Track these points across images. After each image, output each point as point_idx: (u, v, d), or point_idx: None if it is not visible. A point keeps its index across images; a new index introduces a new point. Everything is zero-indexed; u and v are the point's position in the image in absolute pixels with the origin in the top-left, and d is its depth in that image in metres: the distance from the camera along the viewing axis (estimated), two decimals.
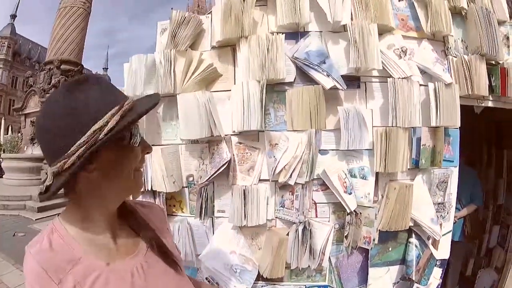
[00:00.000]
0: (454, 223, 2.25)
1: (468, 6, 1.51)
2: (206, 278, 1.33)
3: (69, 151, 0.52)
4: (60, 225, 0.58)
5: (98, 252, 0.59)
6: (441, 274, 1.49)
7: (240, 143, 1.26)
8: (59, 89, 0.56)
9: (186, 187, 1.32)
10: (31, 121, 9.05)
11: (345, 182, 1.22)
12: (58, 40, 9.43)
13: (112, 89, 0.58)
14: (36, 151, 8.64)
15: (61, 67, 9.12)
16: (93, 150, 0.52)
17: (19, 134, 9.97)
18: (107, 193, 0.60)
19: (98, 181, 0.57)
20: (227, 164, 1.22)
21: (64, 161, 0.53)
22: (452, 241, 1.65)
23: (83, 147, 0.52)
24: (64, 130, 0.53)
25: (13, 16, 34.98)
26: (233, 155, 1.25)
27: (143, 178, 1.31)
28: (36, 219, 5.71)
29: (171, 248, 0.70)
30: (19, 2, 35.39)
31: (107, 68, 51.56)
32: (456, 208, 2.24)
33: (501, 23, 1.62)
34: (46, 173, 0.56)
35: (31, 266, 0.54)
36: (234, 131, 1.26)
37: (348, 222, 1.23)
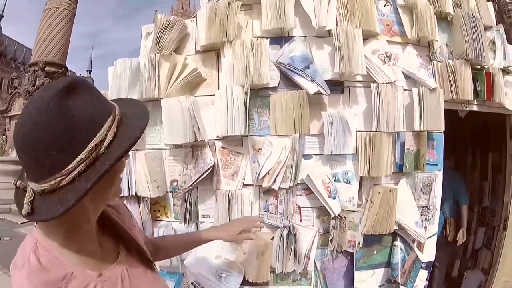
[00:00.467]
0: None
1: (454, 11, 1.52)
2: (192, 283, 1.33)
3: (68, 167, 0.48)
4: (43, 239, 0.55)
5: (88, 262, 0.58)
6: (427, 276, 1.50)
7: (224, 148, 1.26)
8: (48, 96, 0.48)
9: (170, 192, 1.32)
10: (15, 123, 8.98)
11: (329, 187, 1.22)
12: (43, 41, 9.34)
13: (99, 95, 0.55)
14: None
15: (45, 69, 9.04)
16: (102, 172, 0.49)
17: (4, 136, 9.87)
18: (97, 203, 0.59)
19: (91, 195, 0.52)
20: (211, 169, 1.21)
21: (60, 178, 0.49)
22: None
23: (83, 163, 0.49)
24: (60, 144, 0.48)
25: (0, 17, 34.49)
26: (217, 160, 1.25)
27: (127, 183, 1.31)
28: (21, 223, 5.63)
29: (142, 245, 0.71)
30: (5, 3, 34.87)
31: (91, 70, 50.74)
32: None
33: (487, 28, 1.63)
34: (24, 190, 0.52)
35: (25, 286, 0.50)
36: (218, 136, 1.26)
37: (332, 227, 1.23)
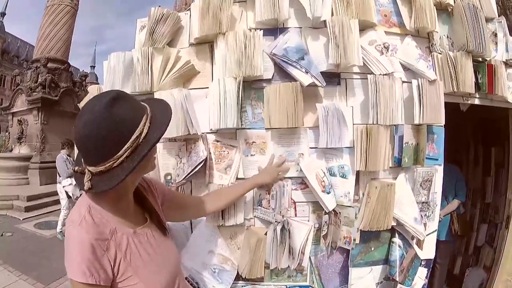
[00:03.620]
0: (439, 221, 2.24)
1: (454, 2, 1.48)
2: (186, 278, 1.31)
3: (118, 154, 0.70)
4: (94, 204, 0.76)
5: (125, 222, 0.79)
6: (426, 274, 1.46)
7: (217, 141, 1.24)
8: (100, 105, 0.69)
9: None
10: (18, 120, 9.04)
11: (324, 181, 1.19)
12: (45, 38, 9.43)
13: (135, 101, 0.76)
14: (23, 150, 8.65)
15: (48, 65, 9.11)
16: (142, 154, 0.71)
17: (7, 133, 9.94)
18: (136, 178, 0.83)
19: (130, 174, 0.72)
20: (203, 162, 1.20)
21: (113, 161, 0.70)
22: (439, 241, 1.64)
23: (129, 150, 0.70)
24: (111, 138, 0.69)
25: (2, 14, 34.80)
26: (210, 153, 1.23)
27: None
28: (23, 219, 5.72)
29: (161, 214, 0.92)
30: (8, 1, 35.17)
31: (95, 66, 51.04)
32: (441, 205, 2.24)
33: (489, 20, 1.59)
34: (81, 173, 0.74)
35: (82, 238, 0.69)
36: (211, 129, 1.24)
37: (326, 222, 1.20)
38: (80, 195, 0.83)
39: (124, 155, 0.70)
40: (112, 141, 0.70)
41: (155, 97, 1.25)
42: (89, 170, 0.72)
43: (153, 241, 0.83)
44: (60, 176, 4.72)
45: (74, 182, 4.64)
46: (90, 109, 0.71)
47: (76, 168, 0.77)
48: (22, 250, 4.21)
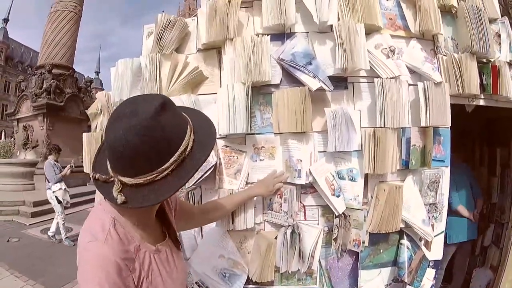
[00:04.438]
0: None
1: (458, 4, 1.49)
2: (196, 282, 1.32)
3: (163, 167, 0.64)
4: (119, 217, 0.70)
5: (149, 238, 0.75)
6: (435, 275, 1.47)
7: (227, 146, 1.25)
8: (147, 112, 0.62)
9: None
10: (23, 126, 9.10)
11: (333, 185, 1.20)
12: (50, 44, 9.48)
13: (177, 112, 0.70)
14: (29, 156, 8.67)
15: (52, 71, 9.18)
16: (193, 173, 0.67)
17: (12, 139, 9.96)
18: None
19: None
20: (213, 167, 1.20)
21: (156, 174, 0.64)
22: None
23: (175, 164, 0.65)
24: (157, 149, 0.63)
25: (6, 20, 34.85)
26: (220, 158, 1.24)
27: None
28: (29, 224, 5.75)
29: (175, 228, 0.89)
30: (11, 6, 35.29)
31: (99, 72, 51.20)
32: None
33: (492, 20, 1.60)
34: (104, 182, 0.67)
35: (109, 257, 0.62)
36: (220, 135, 1.25)
37: (336, 225, 1.21)
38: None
39: (170, 168, 0.64)
40: (157, 152, 0.63)
41: None
42: (120, 180, 0.65)
43: (171, 258, 0.80)
44: (49, 182, 4.78)
45: (63, 187, 4.79)
46: (134, 114, 0.62)
47: (97, 175, 0.69)
48: (28, 256, 4.22)
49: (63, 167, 4.90)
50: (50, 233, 4.90)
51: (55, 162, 4.90)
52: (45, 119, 8.74)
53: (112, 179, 0.67)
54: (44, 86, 8.89)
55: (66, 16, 9.75)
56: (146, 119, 0.62)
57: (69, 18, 9.80)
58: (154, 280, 0.71)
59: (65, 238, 4.77)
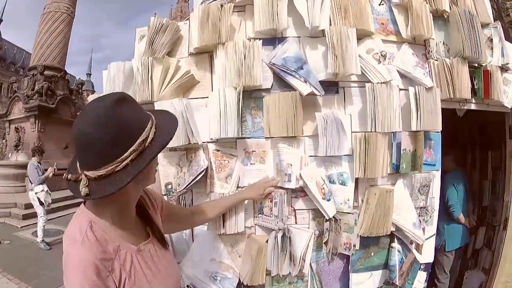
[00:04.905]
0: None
1: (450, 9, 1.50)
2: (188, 286, 1.32)
3: (123, 156, 0.65)
4: (96, 218, 0.70)
5: (128, 238, 0.75)
6: (426, 277, 1.48)
7: (218, 150, 1.25)
8: (105, 104, 0.65)
9: (165, 195, 1.31)
10: (15, 127, 9.03)
11: (323, 189, 1.21)
12: (42, 45, 9.42)
13: (139, 106, 0.73)
14: (21, 158, 8.60)
15: (44, 72, 9.12)
16: (149, 158, 0.67)
17: (4, 140, 9.89)
18: (138, 189, 0.78)
19: (134, 182, 0.67)
20: (204, 171, 1.21)
21: (116, 164, 0.65)
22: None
23: (134, 153, 0.65)
24: (117, 139, 0.64)
25: None
26: (211, 162, 1.24)
27: None
28: (21, 227, 5.69)
29: (161, 228, 0.88)
30: (4, 7, 35.03)
31: (91, 74, 50.91)
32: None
33: (484, 25, 1.61)
34: (74, 181, 0.67)
35: (85, 258, 0.63)
36: (211, 139, 1.25)
37: (327, 229, 1.22)
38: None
39: (129, 158, 0.65)
40: (117, 142, 0.64)
41: (155, 106, 1.26)
42: (86, 175, 0.66)
43: (156, 257, 0.79)
44: (32, 184, 4.78)
45: (46, 189, 4.78)
46: (93, 109, 0.66)
47: (69, 176, 0.69)
48: (20, 258, 4.19)
49: (46, 169, 4.92)
50: (39, 239, 4.80)
51: (38, 164, 4.93)
52: (36, 121, 8.67)
53: (80, 177, 0.67)
54: (36, 87, 8.83)
55: (59, 17, 9.68)
56: (103, 111, 0.64)
57: (62, 20, 9.74)
58: (139, 281, 0.71)
59: (41, 241, 4.74)
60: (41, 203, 4.74)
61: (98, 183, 0.66)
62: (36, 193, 4.70)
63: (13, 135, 9.08)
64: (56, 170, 4.86)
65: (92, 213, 0.71)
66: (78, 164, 0.70)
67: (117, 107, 0.65)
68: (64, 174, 0.71)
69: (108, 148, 0.64)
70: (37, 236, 4.87)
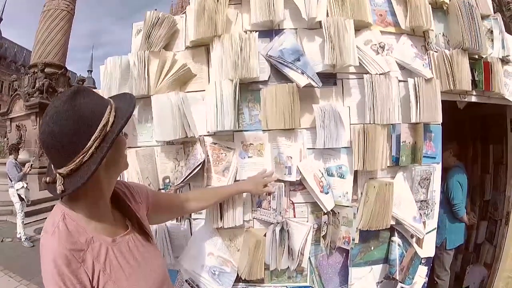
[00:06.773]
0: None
1: (449, 0, 1.49)
2: (186, 281, 1.31)
3: (87, 146, 0.65)
4: (69, 211, 0.70)
5: (104, 230, 0.73)
6: (427, 272, 1.47)
7: (215, 143, 1.25)
8: (61, 101, 0.66)
9: (162, 189, 1.31)
10: (16, 125, 9.02)
11: (322, 182, 1.20)
12: (42, 43, 9.42)
13: (97, 95, 0.72)
14: (22, 155, 8.61)
15: (45, 70, 9.11)
16: (110, 141, 0.66)
17: (5, 139, 9.92)
18: (110, 176, 0.76)
19: (103, 171, 0.70)
20: (201, 165, 1.20)
21: (82, 155, 0.65)
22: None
23: (97, 140, 0.65)
24: (77, 131, 0.64)
25: None
26: (208, 155, 1.23)
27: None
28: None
29: (144, 221, 0.86)
30: (4, 6, 35.18)
31: (92, 71, 50.97)
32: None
33: (484, 17, 1.59)
34: (53, 182, 0.67)
35: (56, 248, 0.64)
36: (208, 132, 1.24)
37: (325, 222, 1.21)
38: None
39: (93, 146, 0.65)
40: (78, 134, 0.65)
41: (152, 100, 1.26)
42: (59, 173, 0.66)
43: (135, 250, 0.77)
44: (11, 181, 4.94)
45: (25, 185, 4.98)
46: (51, 108, 0.66)
47: (48, 179, 0.69)
48: (22, 256, 4.20)
49: (23, 166, 5.10)
50: (22, 238, 4.81)
51: (16, 161, 5.10)
52: (37, 119, 8.62)
53: (56, 177, 0.67)
54: (37, 85, 8.81)
55: (59, 14, 9.68)
56: (61, 107, 0.65)
57: (62, 17, 9.74)
58: (115, 274, 0.70)
59: (25, 239, 4.78)
60: (21, 199, 4.91)
61: (71, 178, 0.66)
62: (17, 189, 4.88)
63: (14, 133, 9.09)
64: (32, 166, 5.11)
65: (67, 206, 0.71)
66: (52, 166, 0.70)
67: (72, 100, 0.66)
68: (43, 179, 0.71)
69: (72, 141, 0.65)
70: (39, 234, 4.89)
